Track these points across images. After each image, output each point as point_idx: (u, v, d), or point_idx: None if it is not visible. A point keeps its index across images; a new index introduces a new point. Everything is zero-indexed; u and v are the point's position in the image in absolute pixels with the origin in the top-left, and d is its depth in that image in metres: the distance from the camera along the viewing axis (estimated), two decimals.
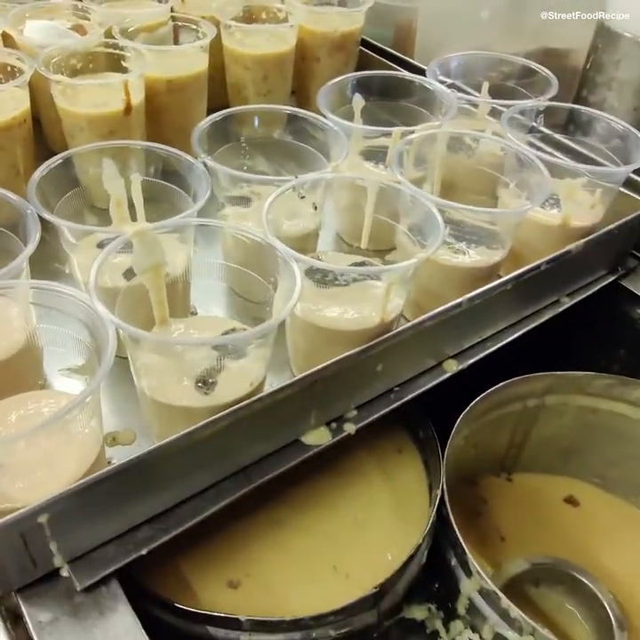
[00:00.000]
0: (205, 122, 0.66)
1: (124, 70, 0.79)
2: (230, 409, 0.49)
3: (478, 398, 0.70)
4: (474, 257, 0.64)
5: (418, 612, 0.65)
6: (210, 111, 0.73)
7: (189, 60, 0.81)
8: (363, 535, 0.65)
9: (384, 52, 1.03)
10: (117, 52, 0.78)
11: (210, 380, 0.50)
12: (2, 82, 0.74)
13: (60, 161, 0.60)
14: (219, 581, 0.61)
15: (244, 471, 0.55)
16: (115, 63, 0.80)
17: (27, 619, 0.46)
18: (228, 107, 0.93)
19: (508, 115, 0.72)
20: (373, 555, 0.64)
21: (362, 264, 0.60)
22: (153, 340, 0.48)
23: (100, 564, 0.49)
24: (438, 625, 0.65)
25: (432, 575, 0.66)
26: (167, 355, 0.50)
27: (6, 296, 0.51)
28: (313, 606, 0.59)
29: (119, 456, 0.55)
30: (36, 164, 0.76)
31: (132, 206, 0.61)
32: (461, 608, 0.64)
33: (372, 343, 0.55)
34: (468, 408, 0.69)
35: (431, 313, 0.58)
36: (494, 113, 0.81)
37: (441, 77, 0.84)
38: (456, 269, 0.64)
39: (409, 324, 0.58)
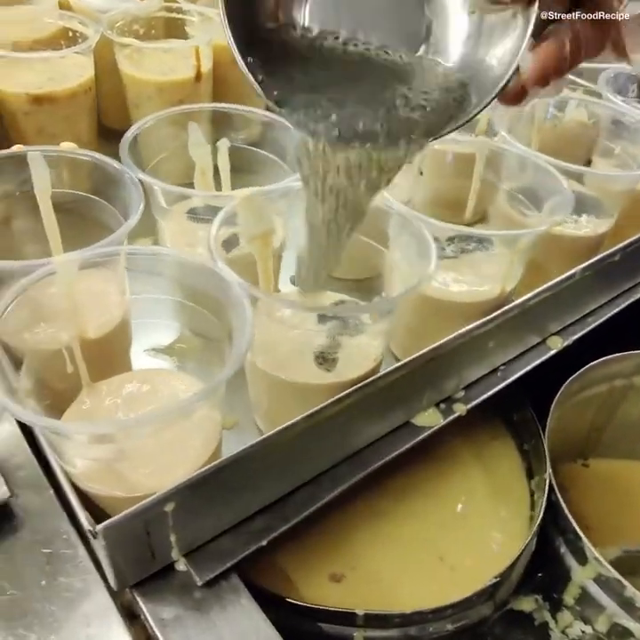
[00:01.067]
0: None
1: (187, 37, 0.75)
2: (358, 385, 0.45)
3: (572, 377, 0.67)
4: (583, 226, 0.60)
5: (525, 604, 0.62)
6: None
7: None
8: (465, 525, 0.62)
9: None
10: (181, 16, 0.74)
11: (330, 357, 0.46)
12: (63, 48, 0.69)
13: (153, 122, 0.55)
14: (321, 575, 0.57)
15: (357, 455, 0.51)
16: (177, 30, 0.75)
17: (147, 616, 0.42)
18: None
19: (607, 76, 0.68)
20: (478, 545, 0.61)
21: (468, 237, 0.56)
22: (286, 303, 0.43)
23: (218, 556, 0.45)
24: (547, 616, 0.61)
25: (535, 565, 0.63)
26: (284, 323, 0.46)
27: (106, 267, 0.46)
28: (422, 599, 0.56)
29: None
30: (97, 138, 0.72)
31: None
32: (570, 598, 0.60)
33: (493, 316, 0.51)
34: (562, 388, 0.66)
35: (549, 283, 0.55)
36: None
37: None
38: (564, 239, 0.60)
39: (528, 296, 0.54)
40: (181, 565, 0.45)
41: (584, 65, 0.73)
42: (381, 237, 0.52)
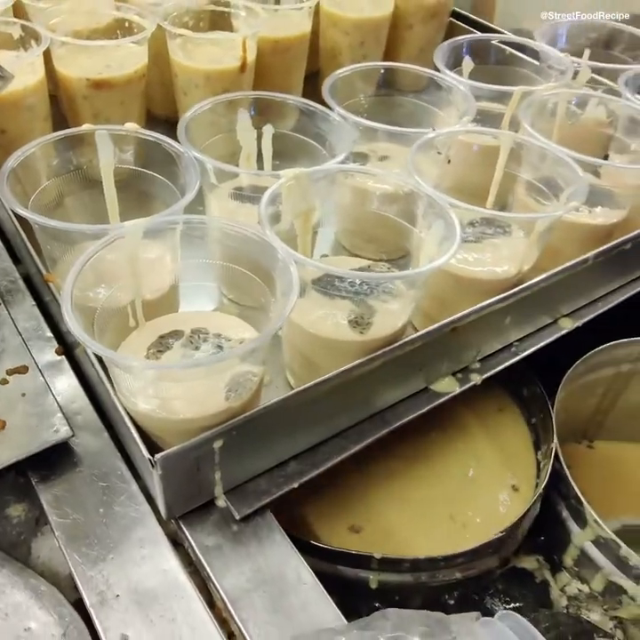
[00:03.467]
0: (335, 76, 0.67)
1: (232, 29, 0.80)
2: (387, 348, 0.50)
3: (580, 360, 0.71)
4: (597, 216, 0.65)
5: (527, 563, 0.67)
6: None
7: (295, 22, 0.82)
8: (474, 488, 0.67)
9: (467, 19, 1.04)
10: (228, 10, 0.79)
11: (364, 322, 0.52)
12: (118, 37, 0.75)
13: (209, 106, 0.61)
14: (341, 526, 0.62)
15: (380, 414, 0.57)
16: (223, 23, 0.81)
17: (192, 543, 0.48)
18: (318, 73, 0.95)
19: (627, 76, 0.73)
20: (486, 507, 0.66)
21: (489, 222, 0.61)
22: (324, 268, 0.48)
23: (255, 495, 0.50)
24: (548, 575, 0.66)
25: (538, 528, 0.68)
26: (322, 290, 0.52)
27: (163, 237, 0.52)
28: (433, 552, 0.61)
29: None
30: (146, 123, 0.77)
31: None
32: (569, 559, 0.65)
33: (509, 293, 0.57)
34: (570, 370, 0.70)
35: (562, 266, 0.60)
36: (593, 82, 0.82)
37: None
38: (578, 227, 0.65)
39: (542, 276, 0.59)
40: (221, 502, 0.50)
41: (605, 65, 0.78)
42: (411, 218, 0.57)
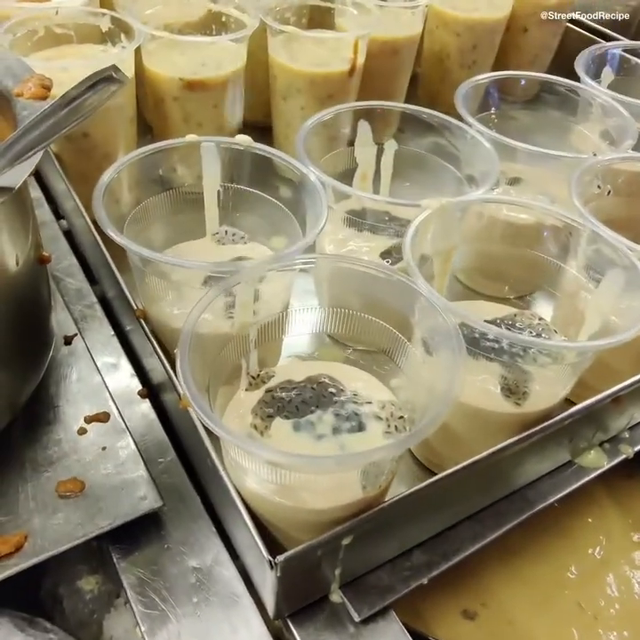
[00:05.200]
0: (471, 82, 0.58)
1: (334, 28, 0.72)
2: (547, 422, 0.41)
3: None
4: None
5: None
6: None
7: (404, 21, 0.73)
8: (604, 571, 0.57)
9: (583, 24, 0.93)
10: (333, 6, 0.71)
11: (520, 390, 0.42)
12: (213, 32, 0.67)
13: (331, 116, 0.52)
14: (452, 611, 0.53)
15: (520, 492, 0.48)
16: (323, 20, 0.72)
17: None
18: (416, 78, 0.86)
19: None
20: (621, 595, 0.56)
21: None
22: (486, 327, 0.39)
23: (376, 592, 0.42)
24: None
25: None
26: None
27: (277, 279, 0.44)
28: None
29: None
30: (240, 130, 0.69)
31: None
32: None
33: None
34: None
35: None
36: None
37: None
38: None
39: None
40: (336, 597, 0.42)
41: None
42: (561, 254, 0.48)
